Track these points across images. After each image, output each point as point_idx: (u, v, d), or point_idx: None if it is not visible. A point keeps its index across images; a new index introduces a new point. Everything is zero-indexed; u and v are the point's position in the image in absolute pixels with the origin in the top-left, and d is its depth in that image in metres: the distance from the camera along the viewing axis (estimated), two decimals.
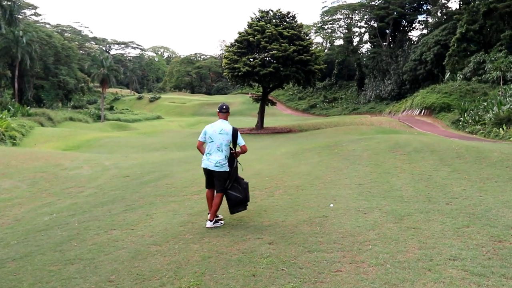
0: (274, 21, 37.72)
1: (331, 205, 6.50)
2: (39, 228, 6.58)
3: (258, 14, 38.30)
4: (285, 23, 37.45)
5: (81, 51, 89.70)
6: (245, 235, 5.20)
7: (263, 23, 36.94)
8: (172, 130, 45.78)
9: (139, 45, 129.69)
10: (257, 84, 42.95)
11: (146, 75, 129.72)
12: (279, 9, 38.65)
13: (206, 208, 6.31)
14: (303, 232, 5.18)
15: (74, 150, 24.66)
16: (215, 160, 5.95)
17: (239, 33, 37.20)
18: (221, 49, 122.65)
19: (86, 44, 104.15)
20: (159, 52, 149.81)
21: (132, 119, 61.40)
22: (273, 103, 44.20)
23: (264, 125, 40.26)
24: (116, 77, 68.42)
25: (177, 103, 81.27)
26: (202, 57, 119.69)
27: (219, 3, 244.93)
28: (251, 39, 35.73)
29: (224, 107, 6.22)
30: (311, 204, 6.67)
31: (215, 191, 6.04)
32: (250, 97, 50.89)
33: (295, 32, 36.31)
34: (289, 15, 38.54)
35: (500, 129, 26.01)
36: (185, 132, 42.05)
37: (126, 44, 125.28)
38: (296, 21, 38.52)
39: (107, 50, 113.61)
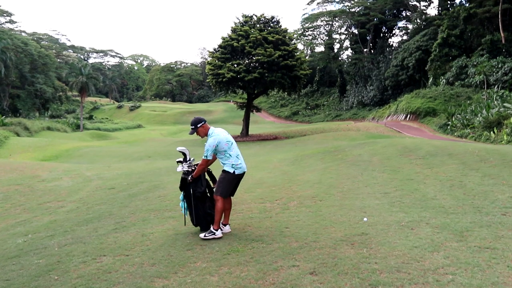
0: (258, 26, 36.99)
1: (365, 219, 5.56)
2: (11, 254, 5.44)
3: (241, 19, 37.50)
4: (269, 28, 36.73)
5: (58, 60, 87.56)
6: (275, 262, 4.21)
7: (247, 28, 36.17)
8: (154, 138, 44.46)
9: (118, 54, 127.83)
10: (241, 91, 42.13)
11: (125, 84, 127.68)
12: (263, 14, 37.94)
13: None
14: (348, 257, 4.20)
15: (52, 161, 23.28)
16: (243, 159, 5.58)
17: (223, 38, 36.30)
18: (202, 57, 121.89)
19: (64, 53, 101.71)
20: (139, 61, 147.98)
21: (112, 128, 59.79)
22: (258, 110, 43.39)
23: (249, 132, 39.32)
24: (95, 85, 66.63)
25: (158, 111, 79.84)
26: (183, 65, 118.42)
27: (198, 11, 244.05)
28: (235, 44, 34.87)
29: (201, 119, 5.57)
30: (339, 218, 5.75)
31: (231, 195, 5.61)
32: (234, 104, 50.03)
33: (280, 37, 35.60)
34: (273, 20, 37.85)
35: (491, 132, 25.60)
36: (167, 141, 40.82)
37: (105, 53, 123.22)
38: (281, 26, 37.84)
39: (86, 59, 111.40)
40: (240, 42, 34.65)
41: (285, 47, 35.17)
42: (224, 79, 34.52)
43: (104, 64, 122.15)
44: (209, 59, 38.64)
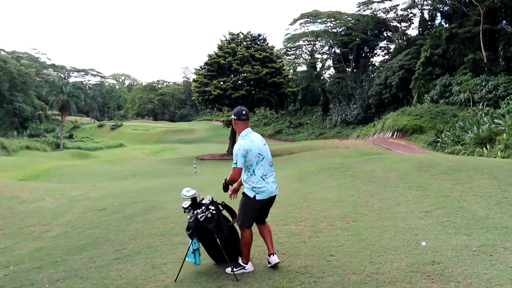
0: (245, 43, 36.62)
1: (423, 243, 4.81)
2: None
3: (228, 37, 37.05)
4: (256, 46, 36.36)
5: (38, 78, 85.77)
6: None
7: (234, 45, 35.77)
8: (137, 157, 43.30)
9: (99, 73, 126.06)
10: (227, 109, 41.49)
11: (107, 103, 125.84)
12: (250, 32, 37.65)
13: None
14: None
15: (32, 180, 22.01)
16: (273, 180, 4.55)
17: (209, 56, 35.77)
18: (184, 76, 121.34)
19: (44, 71, 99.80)
20: (120, 80, 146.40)
21: (93, 147, 58.34)
22: None
23: None
24: (77, 103, 65.22)
25: (140, 130, 78.58)
26: (165, 84, 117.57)
27: (180, 30, 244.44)
28: (222, 61, 34.35)
29: (244, 112, 4.67)
30: (390, 243, 4.98)
31: (262, 222, 4.64)
32: (219, 123, 49.32)
33: (267, 54, 35.25)
34: (260, 37, 37.54)
35: (484, 148, 25.44)
36: (151, 160, 39.76)
37: (85, 72, 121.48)
38: (267, 44, 37.54)
39: (66, 78, 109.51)
40: (227, 59, 34.17)
41: (272, 64, 34.84)
42: (210, 97, 33.85)
43: (85, 83, 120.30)
44: (194, 76, 37.94)
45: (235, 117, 4.62)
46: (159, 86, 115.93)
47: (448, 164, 10.23)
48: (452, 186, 8.08)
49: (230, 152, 37.19)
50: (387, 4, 73.51)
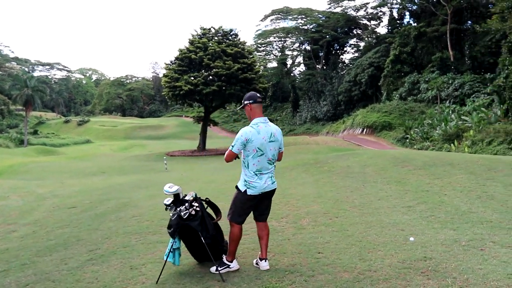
0: (216, 38, 36.24)
1: (411, 238, 4.74)
2: None
3: (199, 31, 36.58)
4: (227, 41, 36.03)
5: (0, 72, 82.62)
6: None
7: (206, 40, 35.31)
8: (105, 154, 42.27)
9: (65, 67, 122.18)
10: (198, 104, 41.05)
11: (73, 98, 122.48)
12: (221, 27, 37.29)
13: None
14: None
15: None
16: (270, 176, 4.26)
17: (180, 50, 35.21)
18: (153, 71, 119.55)
19: (7, 64, 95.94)
20: (87, 74, 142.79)
21: (59, 144, 56.65)
22: (215, 124, 42.35)
23: (206, 147, 38.14)
24: (42, 98, 63.01)
25: (107, 126, 76.88)
26: (134, 79, 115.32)
27: (149, 24, 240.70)
28: (193, 56, 33.87)
29: (258, 94, 4.36)
30: (377, 239, 4.87)
31: (260, 220, 4.39)
32: (189, 119, 48.76)
33: (239, 49, 34.97)
34: (231, 33, 37.24)
35: (451, 144, 26.01)
36: (119, 156, 38.87)
37: (51, 66, 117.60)
38: (239, 39, 37.27)
39: (30, 71, 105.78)
40: (198, 54, 33.72)
41: (244, 60, 34.60)
42: (181, 92, 33.31)
43: (50, 77, 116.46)
44: (164, 71, 37.32)
45: (250, 101, 4.26)
46: (128, 81, 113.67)
47: (423, 159, 10.30)
48: (431, 181, 8.11)
49: (200, 148, 36.80)
50: (357, 2, 74.81)
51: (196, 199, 4.31)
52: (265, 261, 4.24)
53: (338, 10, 70.59)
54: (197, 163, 28.44)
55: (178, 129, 75.96)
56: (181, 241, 4.34)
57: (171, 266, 4.33)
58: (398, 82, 50.35)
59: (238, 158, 4.27)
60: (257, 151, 4.12)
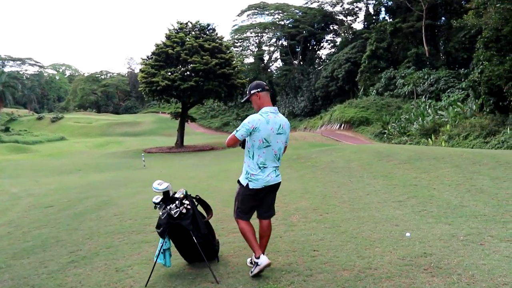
0: (193, 32, 35.76)
1: (407, 234, 4.63)
2: None
3: (176, 26, 36.05)
4: (205, 36, 35.61)
5: None
6: None
7: (183, 34, 34.83)
8: (81, 151, 41.41)
9: (37, 62, 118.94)
10: (175, 100, 40.53)
11: (46, 94, 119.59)
12: (198, 21, 36.82)
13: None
14: None
15: None
16: (274, 170, 4.01)
17: (157, 45, 34.64)
18: (129, 67, 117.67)
19: None
20: (61, 70, 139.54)
21: (32, 141, 55.20)
22: (193, 120, 41.88)
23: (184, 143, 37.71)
24: (13, 94, 61.30)
25: (82, 123, 75.38)
26: (109, 75, 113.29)
27: (124, 19, 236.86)
28: (170, 51, 33.35)
29: (264, 83, 4.10)
30: (372, 235, 4.74)
31: (264, 218, 4.09)
32: (166, 115, 48.14)
33: (216, 44, 34.62)
34: (209, 27, 36.83)
35: (429, 139, 26.37)
36: (95, 153, 38.13)
37: (22, 61, 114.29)
38: (217, 34, 36.89)
39: (1, 66, 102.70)
40: (175, 49, 33.24)
41: (222, 55, 34.26)
42: (158, 88, 32.80)
43: (21, 73, 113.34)
44: (139, 67, 36.69)
45: (258, 89, 3.97)
46: (103, 77, 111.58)
47: (408, 153, 10.31)
48: (418, 175, 8.09)
49: (178, 144, 36.35)
50: None
51: (186, 196, 4.10)
52: (263, 255, 4.00)
53: (315, 5, 70.85)
54: (175, 159, 28.05)
55: (154, 125, 75.07)
56: (171, 241, 4.13)
57: (160, 267, 4.11)
58: (375, 78, 50.82)
59: (242, 147, 4.02)
60: (263, 141, 3.85)
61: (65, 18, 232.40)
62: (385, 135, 33.29)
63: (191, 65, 33.51)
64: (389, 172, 8.62)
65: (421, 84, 41.64)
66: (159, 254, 3.96)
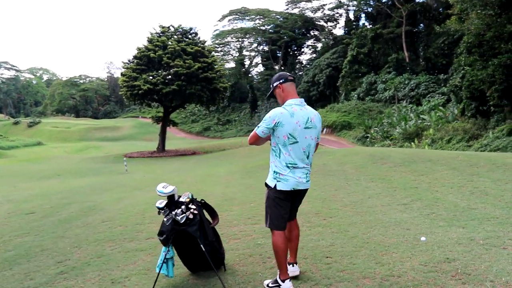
0: (176, 36, 35.46)
1: (423, 238, 4.41)
2: None
3: (158, 29, 35.68)
4: (187, 39, 35.31)
5: None
6: None
7: (165, 38, 34.50)
8: (59, 156, 40.52)
9: (13, 66, 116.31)
10: (156, 104, 40.04)
11: (22, 99, 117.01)
12: (180, 25, 36.53)
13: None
14: None
15: None
16: (305, 172, 3.50)
17: (138, 49, 34.20)
18: (108, 72, 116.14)
19: None
20: (38, 74, 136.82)
21: (8, 146, 53.77)
22: (175, 124, 41.43)
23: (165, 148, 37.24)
24: None
25: (60, 128, 73.88)
26: (88, 79, 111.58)
27: (104, 23, 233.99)
28: (152, 55, 32.97)
29: (289, 73, 3.68)
30: (386, 240, 4.51)
31: (289, 220, 3.67)
32: (148, 119, 47.55)
33: (199, 48, 34.35)
34: (191, 31, 36.55)
35: (412, 143, 26.53)
36: (75, 158, 37.33)
37: None
38: (199, 38, 36.64)
39: None
40: (157, 53, 32.87)
41: (204, 59, 34.03)
42: (140, 91, 32.35)
43: None
44: (120, 72, 36.22)
45: (281, 80, 3.52)
46: (81, 81, 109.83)
47: (401, 156, 10.19)
48: (416, 177, 7.94)
49: (160, 149, 35.85)
50: (315, 4, 75.61)
51: (192, 200, 3.80)
52: (293, 265, 3.67)
53: (296, 11, 71.24)
54: (157, 164, 27.60)
55: (134, 130, 74.13)
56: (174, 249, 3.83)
57: (161, 278, 3.78)
58: (356, 83, 51.18)
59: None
60: (288, 137, 3.38)
61: (43, 22, 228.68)
62: (368, 139, 33.40)
63: (174, 69, 33.18)
64: (385, 175, 8.46)
65: (401, 89, 42.07)
66: (162, 264, 3.64)
